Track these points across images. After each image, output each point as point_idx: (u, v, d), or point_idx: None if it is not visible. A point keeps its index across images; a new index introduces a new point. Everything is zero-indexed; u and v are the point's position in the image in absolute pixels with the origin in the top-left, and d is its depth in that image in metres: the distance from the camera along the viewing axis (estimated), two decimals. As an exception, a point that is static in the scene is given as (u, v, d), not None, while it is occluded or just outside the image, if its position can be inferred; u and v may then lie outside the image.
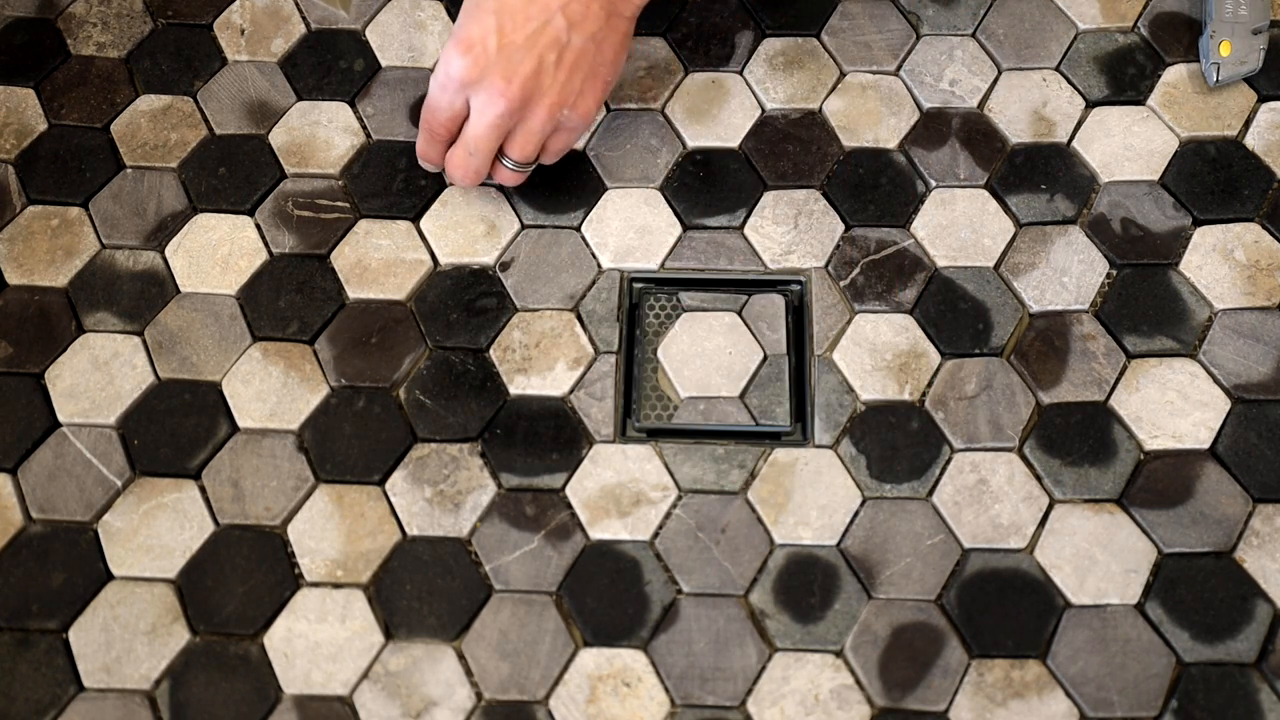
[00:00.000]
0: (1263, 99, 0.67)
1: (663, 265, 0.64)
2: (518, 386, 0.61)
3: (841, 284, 0.63)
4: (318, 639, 0.55)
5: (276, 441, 0.60)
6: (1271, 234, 0.63)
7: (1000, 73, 0.69)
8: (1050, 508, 0.57)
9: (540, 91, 0.58)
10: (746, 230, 0.65)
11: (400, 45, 0.70)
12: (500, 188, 0.66)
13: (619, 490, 0.58)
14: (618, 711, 0.54)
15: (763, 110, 0.68)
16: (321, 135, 0.68)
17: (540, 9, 0.57)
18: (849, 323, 0.62)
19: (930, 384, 0.60)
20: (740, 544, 0.57)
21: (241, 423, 0.60)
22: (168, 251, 0.64)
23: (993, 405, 0.60)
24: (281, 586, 0.56)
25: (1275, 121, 0.66)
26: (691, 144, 0.67)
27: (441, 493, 0.58)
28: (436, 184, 0.66)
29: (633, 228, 0.65)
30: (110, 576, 0.57)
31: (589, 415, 0.60)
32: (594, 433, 0.60)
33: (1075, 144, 0.66)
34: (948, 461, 0.59)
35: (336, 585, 0.56)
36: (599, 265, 0.64)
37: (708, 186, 0.66)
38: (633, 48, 0.62)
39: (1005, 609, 0.55)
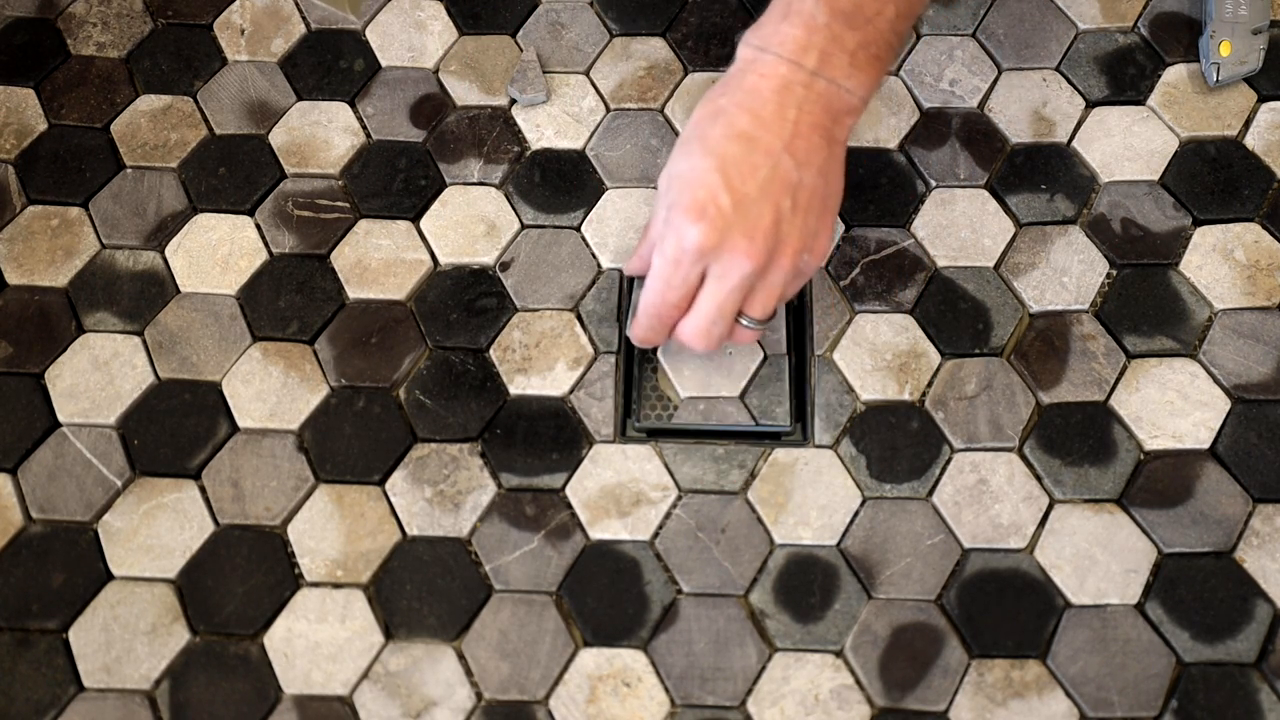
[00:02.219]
0: (1263, 99, 0.67)
1: (663, 265, 0.64)
2: (518, 386, 0.61)
3: (841, 284, 0.63)
4: (318, 639, 0.55)
5: (276, 441, 0.60)
6: (1271, 234, 0.63)
7: (1000, 73, 0.69)
8: (1050, 508, 0.57)
9: (781, 241, 0.52)
10: (746, 230, 0.64)
11: (400, 45, 0.70)
12: (503, 188, 0.66)
13: (619, 490, 0.58)
14: (618, 711, 0.54)
15: (763, 110, 0.68)
16: (321, 135, 0.68)
17: (764, 154, 0.51)
18: (849, 323, 0.62)
19: (930, 384, 0.60)
20: (740, 544, 0.57)
21: (241, 423, 0.60)
22: (168, 251, 0.64)
23: (993, 405, 0.60)
24: (281, 586, 0.56)
25: (1275, 121, 0.66)
26: (691, 144, 0.67)
27: (441, 493, 0.58)
28: (436, 184, 0.66)
29: (633, 228, 0.65)
30: (110, 576, 0.57)
31: (589, 415, 0.60)
32: (594, 433, 0.60)
33: (1075, 144, 0.66)
34: (948, 461, 0.59)
35: (336, 585, 0.56)
36: (599, 265, 0.64)
37: (708, 186, 0.66)
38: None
39: (1005, 609, 0.55)
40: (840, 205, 0.55)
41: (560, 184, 0.66)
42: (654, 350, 0.61)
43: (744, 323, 0.55)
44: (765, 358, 0.61)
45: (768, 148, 0.51)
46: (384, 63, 0.70)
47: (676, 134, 0.67)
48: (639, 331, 0.57)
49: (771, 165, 0.51)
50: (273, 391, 0.61)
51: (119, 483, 0.59)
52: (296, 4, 0.72)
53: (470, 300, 0.63)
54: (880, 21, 0.51)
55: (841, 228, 0.64)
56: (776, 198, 0.51)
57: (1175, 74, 0.68)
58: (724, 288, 0.52)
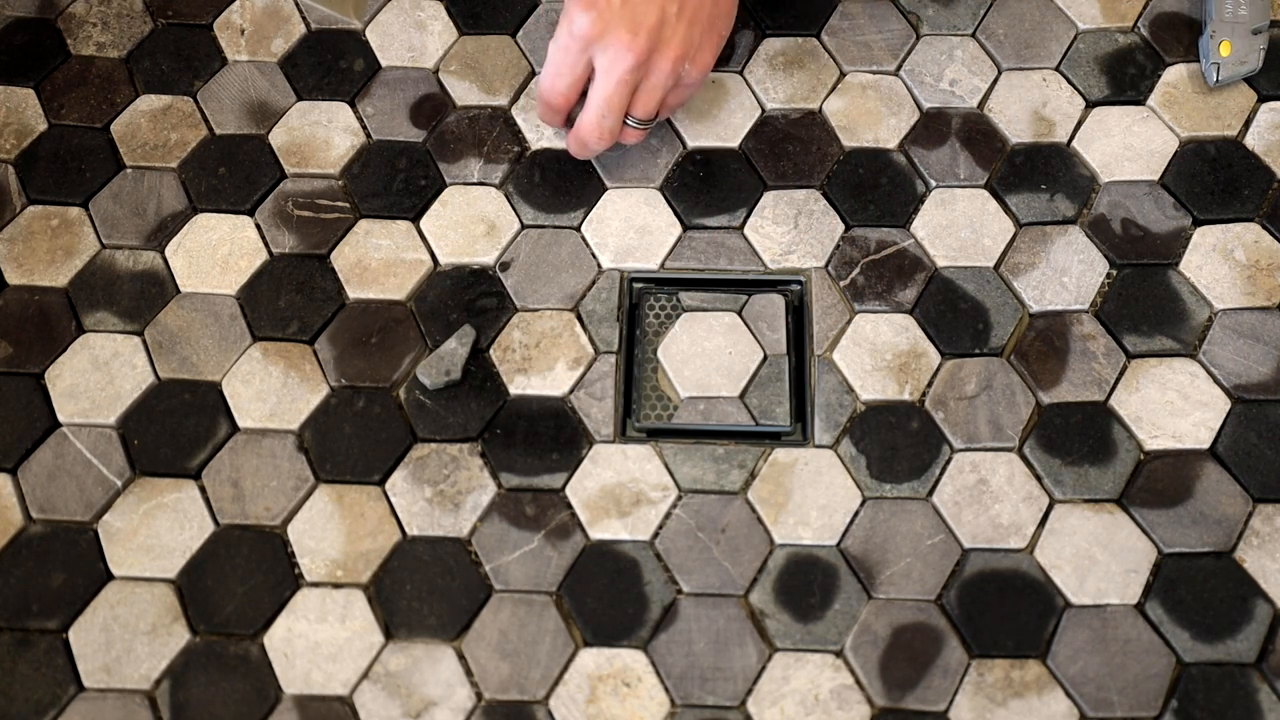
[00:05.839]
0: (1263, 99, 0.67)
1: (663, 265, 0.64)
2: (518, 386, 0.61)
3: (841, 284, 0.63)
4: (318, 639, 0.55)
5: (276, 441, 0.60)
6: (1271, 234, 0.63)
7: (1000, 73, 0.69)
8: (1050, 508, 0.57)
9: (663, 43, 0.57)
10: (746, 230, 0.65)
11: (400, 45, 0.70)
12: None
13: (619, 490, 0.58)
14: (618, 711, 0.54)
15: (763, 110, 0.68)
16: (321, 135, 0.68)
17: None
18: (849, 323, 0.62)
19: (930, 384, 0.60)
20: (740, 544, 0.57)
21: (241, 423, 0.60)
22: (168, 251, 0.64)
23: (993, 405, 0.60)
24: (281, 586, 0.56)
25: (1275, 121, 0.66)
26: (691, 144, 0.67)
27: (441, 493, 0.58)
28: (436, 184, 0.66)
29: (633, 228, 0.65)
30: (110, 576, 0.57)
31: (589, 415, 0.60)
32: (594, 433, 0.60)
33: (1075, 144, 0.66)
34: (948, 461, 0.59)
35: (336, 585, 0.56)
36: (599, 265, 0.64)
37: (708, 186, 0.66)
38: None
39: (1005, 609, 0.55)
40: (729, 32, 0.61)
41: (560, 184, 0.66)
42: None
43: (629, 123, 0.61)
44: (765, 358, 0.61)
45: None
46: (384, 63, 0.70)
47: (677, 133, 0.67)
48: (538, 110, 0.63)
49: None
50: (273, 391, 0.61)
51: (119, 483, 0.59)
52: (296, 4, 0.72)
53: (470, 300, 0.63)
54: None
55: (842, 229, 0.64)
56: (663, 2, 0.56)
57: (1175, 74, 0.68)
58: (610, 80, 0.58)
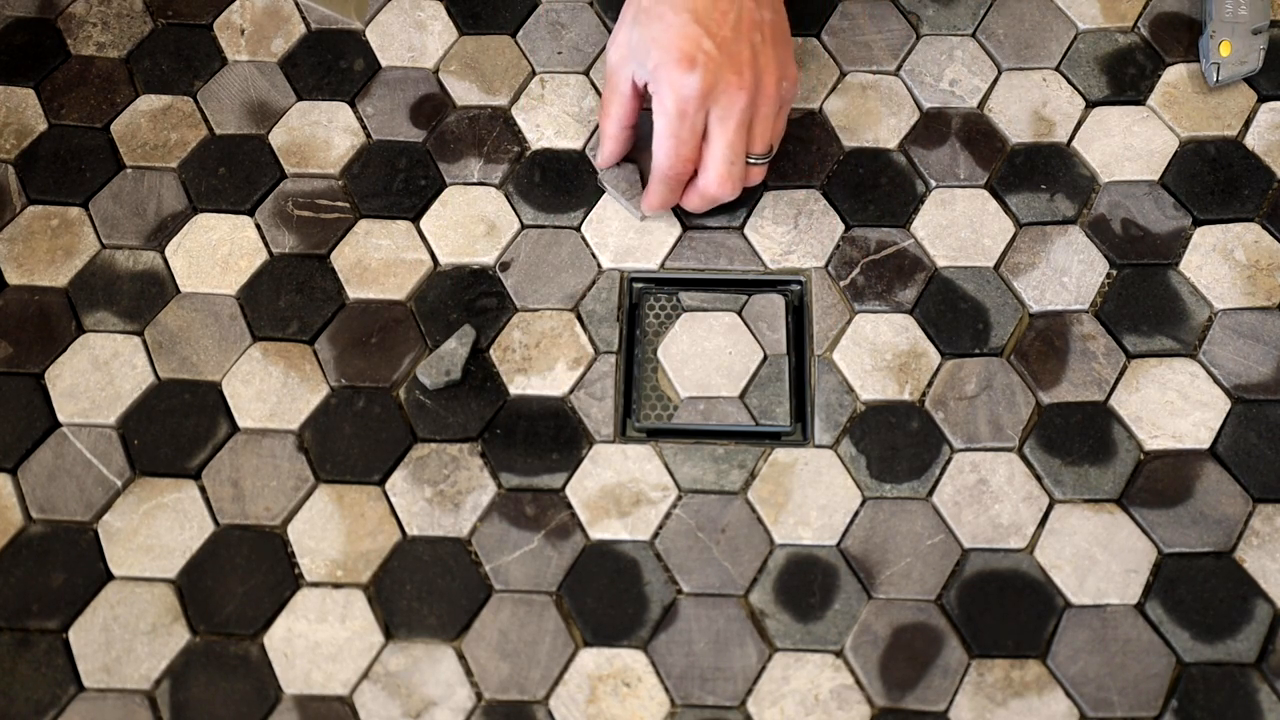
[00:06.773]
0: (1263, 99, 0.67)
1: (663, 265, 0.64)
2: (518, 386, 0.61)
3: (841, 284, 0.63)
4: (318, 639, 0.55)
5: (276, 441, 0.60)
6: (1271, 234, 0.63)
7: (1000, 73, 0.69)
8: (1050, 508, 0.57)
9: (762, 71, 0.58)
10: (746, 230, 0.65)
11: (400, 45, 0.70)
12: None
13: (619, 490, 0.58)
14: (618, 711, 0.54)
15: (763, 110, 0.68)
16: (321, 135, 0.68)
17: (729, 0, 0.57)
18: (849, 323, 0.62)
19: (930, 384, 0.60)
20: (740, 544, 0.57)
21: (241, 423, 0.60)
22: (168, 251, 0.64)
23: (993, 405, 0.60)
24: (281, 586, 0.56)
25: (1275, 121, 0.66)
26: (691, 144, 0.67)
27: (441, 493, 0.58)
28: (436, 184, 0.66)
29: (633, 228, 0.65)
30: (110, 576, 0.57)
31: (589, 415, 0.60)
32: (594, 433, 0.60)
33: (1075, 144, 0.66)
34: (948, 461, 0.59)
35: (336, 585, 0.56)
36: (599, 265, 0.64)
37: (708, 186, 0.66)
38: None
39: (1005, 609, 0.55)
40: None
41: (560, 184, 0.66)
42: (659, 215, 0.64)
43: (750, 160, 0.61)
44: (765, 358, 0.61)
45: None
46: (384, 63, 0.70)
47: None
48: (655, 200, 0.61)
49: (737, 8, 0.57)
50: (273, 391, 0.61)
51: (119, 483, 0.59)
52: (296, 4, 0.72)
53: (470, 300, 0.63)
54: None
55: (842, 229, 0.64)
56: (749, 35, 0.57)
57: (1175, 74, 0.68)
58: (730, 126, 0.58)
